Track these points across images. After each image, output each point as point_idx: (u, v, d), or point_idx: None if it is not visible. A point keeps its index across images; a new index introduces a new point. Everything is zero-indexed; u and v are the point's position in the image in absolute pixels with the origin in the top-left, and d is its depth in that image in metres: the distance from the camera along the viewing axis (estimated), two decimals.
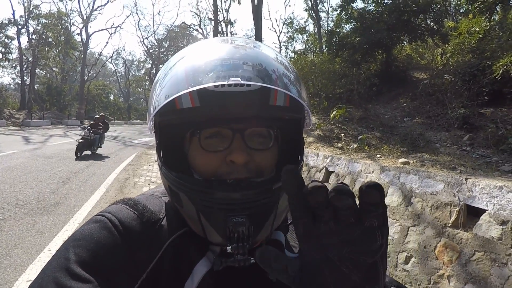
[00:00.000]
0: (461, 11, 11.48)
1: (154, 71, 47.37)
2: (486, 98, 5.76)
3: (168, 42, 49.57)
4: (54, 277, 0.43)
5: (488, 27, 6.81)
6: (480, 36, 6.83)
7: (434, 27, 9.66)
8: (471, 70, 6.34)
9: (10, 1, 32.30)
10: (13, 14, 26.55)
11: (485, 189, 2.65)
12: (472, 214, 2.76)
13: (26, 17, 27.98)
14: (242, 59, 0.48)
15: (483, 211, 2.63)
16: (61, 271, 0.43)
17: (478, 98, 5.85)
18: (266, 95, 0.49)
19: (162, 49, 48.80)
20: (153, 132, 0.56)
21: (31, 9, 28.26)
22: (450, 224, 2.85)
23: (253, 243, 0.49)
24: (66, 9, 34.94)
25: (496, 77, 5.35)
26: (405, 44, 10.86)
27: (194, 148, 0.53)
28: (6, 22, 26.18)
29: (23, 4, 28.00)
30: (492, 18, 7.73)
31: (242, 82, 0.44)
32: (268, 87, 0.47)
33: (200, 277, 0.51)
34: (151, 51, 48.45)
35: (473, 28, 6.99)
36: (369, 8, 10.31)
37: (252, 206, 0.48)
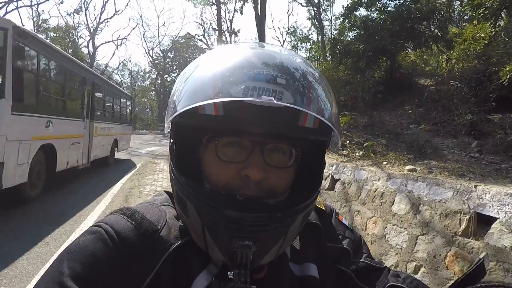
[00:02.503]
0: (465, 17, 11.49)
1: (159, 81, 47.89)
2: (493, 104, 5.68)
3: (173, 53, 50.06)
4: None
5: (493, 33, 6.76)
6: (486, 42, 6.78)
7: (438, 33, 9.64)
8: (477, 76, 6.27)
9: (20, 17, 33.29)
10: None
11: (495, 197, 2.59)
12: (483, 222, 2.69)
13: (35, 31, 28.66)
14: (276, 70, 0.45)
15: (494, 219, 2.56)
16: (54, 286, 0.42)
17: (485, 104, 5.77)
18: (296, 115, 0.46)
19: (167, 60, 49.39)
20: (168, 131, 0.54)
21: (40, 23, 28.93)
22: (460, 233, 2.78)
23: (257, 265, 0.46)
24: (73, 22, 35.49)
25: (503, 83, 5.28)
26: (410, 51, 10.84)
27: (209, 154, 0.50)
28: None
29: (33, 19, 28.71)
30: (497, 24, 7.70)
31: (276, 102, 0.41)
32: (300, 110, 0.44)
33: None
34: (156, 61, 48.96)
35: (478, 34, 6.94)
36: (372, 16, 10.32)
37: (261, 230, 0.45)
